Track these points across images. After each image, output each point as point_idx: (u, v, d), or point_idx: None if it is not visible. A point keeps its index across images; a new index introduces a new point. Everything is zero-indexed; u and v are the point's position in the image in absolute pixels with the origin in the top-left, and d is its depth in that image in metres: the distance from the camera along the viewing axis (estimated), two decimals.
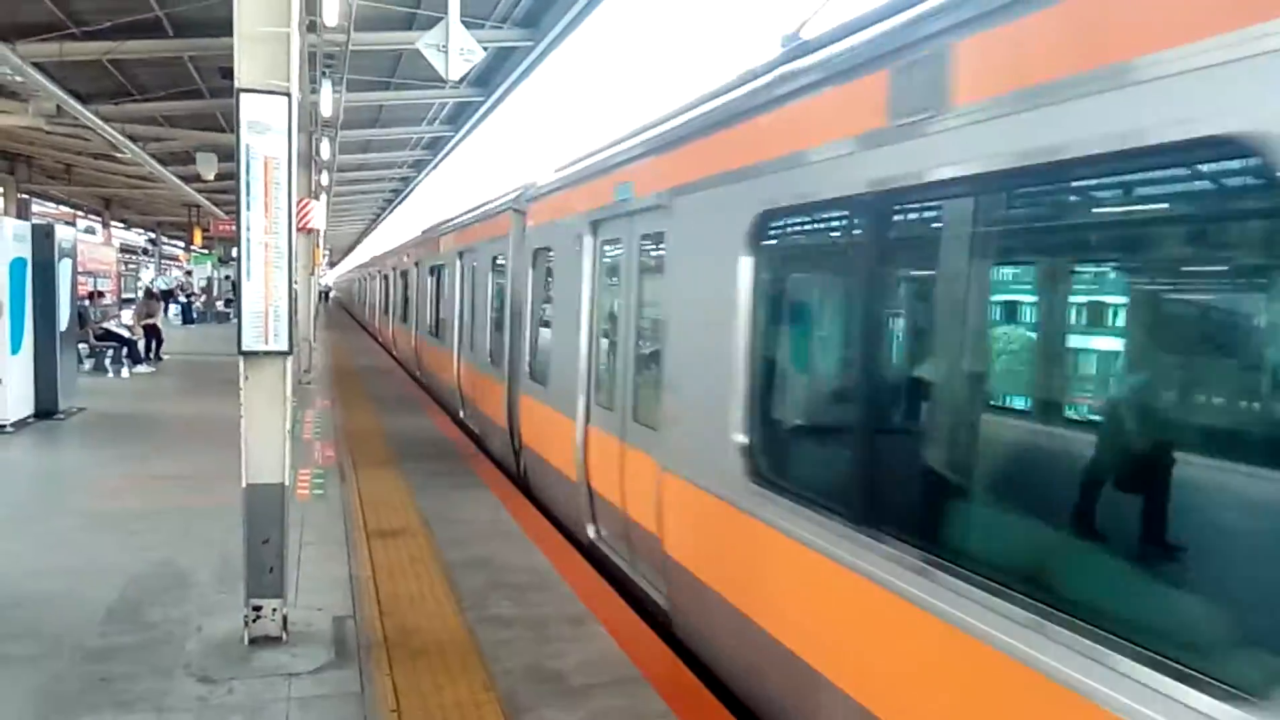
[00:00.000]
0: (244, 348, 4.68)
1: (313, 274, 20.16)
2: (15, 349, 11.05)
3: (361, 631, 5.06)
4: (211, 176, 21.66)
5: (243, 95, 4.56)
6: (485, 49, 11.11)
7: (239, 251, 4.67)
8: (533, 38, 14.77)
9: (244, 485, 4.76)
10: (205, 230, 35.67)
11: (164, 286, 36.44)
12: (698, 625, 5.01)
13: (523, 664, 4.69)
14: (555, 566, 6.32)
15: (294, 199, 4.71)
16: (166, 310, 36.14)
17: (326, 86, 14.88)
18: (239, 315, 4.72)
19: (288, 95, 4.62)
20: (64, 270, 12.23)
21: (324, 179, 24.49)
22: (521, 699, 4.30)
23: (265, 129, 4.59)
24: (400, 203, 42.56)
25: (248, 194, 4.60)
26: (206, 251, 39.14)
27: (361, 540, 6.79)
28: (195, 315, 35.83)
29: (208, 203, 30.67)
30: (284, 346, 4.74)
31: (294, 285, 4.79)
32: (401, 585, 5.83)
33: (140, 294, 27.96)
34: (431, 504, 7.94)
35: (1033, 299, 3.19)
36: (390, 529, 7.13)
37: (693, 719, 4.17)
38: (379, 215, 51.23)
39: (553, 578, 6.09)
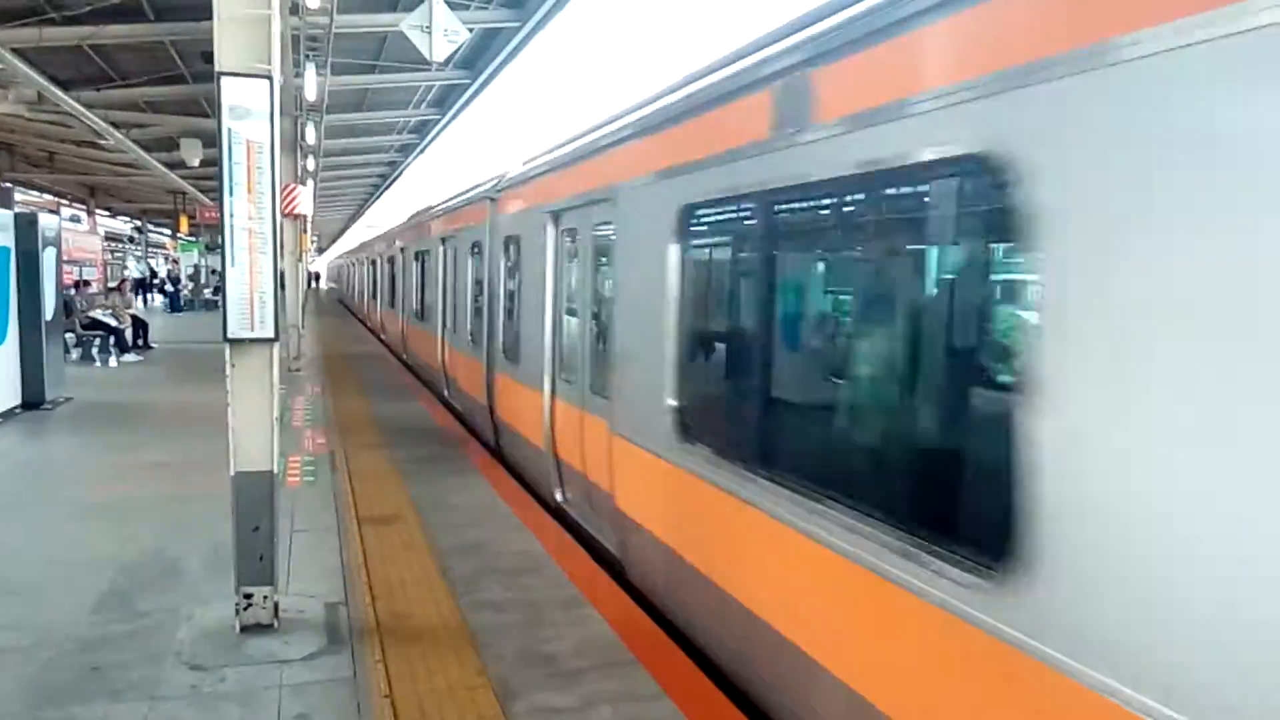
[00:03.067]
0: (230, 335, 4.64)
1: (300, 260, 20.00)
2: (0, 339, 10.96)
3: (354, 618, 5.06)
4: (196, 163, 21.46)
5: (224, 79, 4.50)
6: (470, 30, 11.02)
7: (223, 238, 4.62)
8: (519, 18, 14.64)
9: (232, 473, 4.74)
10: (191, 217, 35.37)
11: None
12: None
13: (515, 648, 4.70)
14: (547, 550, 6.33)
15: (278, 184, 4.66)
16: (145, 298, 35.96)
17: (310, 70, 14.71)
18: (224, 302, 4.69)
19: (269, 78, 4.55)
20: (49, 259, 12.11)
21: (310, 164, 24.29)
22: (515, 683, 4.30)
23: (247, 113, 4.53)
24: (389, 186, 42.30)
25: (231, 179, 4.55)
26: (193, 239, 38.86)
27: (353, 527, 6.78)
28: (183, 303, 35.65)
29: (193, 189, 30.42)
30: (270, 333, 4.70)
31: (280, 270, 4.76)
32: (393, 571, 5.83)
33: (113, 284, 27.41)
34: (423, 490, 7.93)
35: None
36: (382, 515, 7.12)
37: (686, 700, 4.18)
38: (368, 199, 50.90)
39: (545, 561, 6.10)
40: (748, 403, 4.49)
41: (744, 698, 4.35)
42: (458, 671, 4.41)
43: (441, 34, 9.34)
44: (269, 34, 4.57)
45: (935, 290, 3.45)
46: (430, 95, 21.61)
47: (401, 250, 19.51)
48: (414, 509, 7.32)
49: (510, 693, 4.20)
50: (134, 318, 19.19)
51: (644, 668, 4.49)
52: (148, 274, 40.91)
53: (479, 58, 17.34)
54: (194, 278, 39.48)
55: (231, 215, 4.57)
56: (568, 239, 7.36)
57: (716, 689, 4.33)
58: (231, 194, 4.56)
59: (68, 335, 15.54)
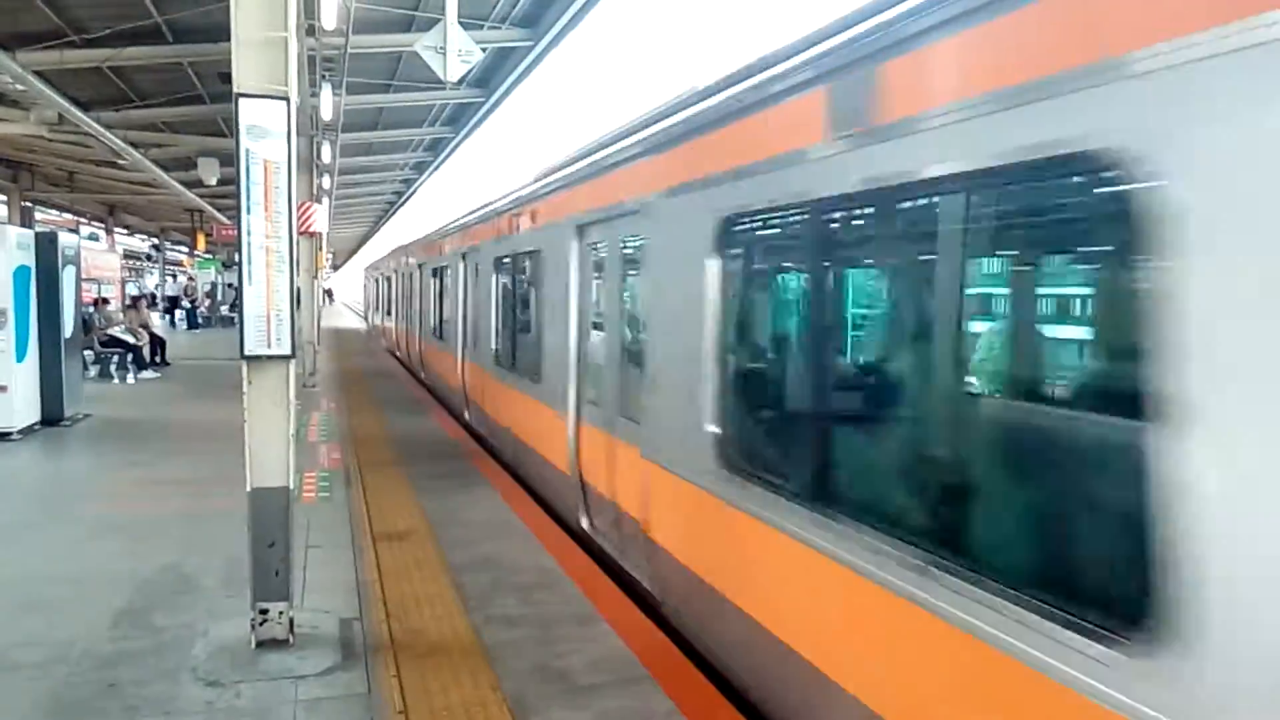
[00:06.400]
0: (246, 352, 4.69)
1: (316, 277, 20.14)
2: (20, 356, 11.08)
3: (368, 634, 5.07)
4: (214, 182, 21.66)
5: (241, 100, 4.56)
6: (484, 50, 11.12)
7: (240, 256, 4.67)
8: (532, 37, 14.76)
9: (249, 489, 4.77)
10: (209, 235, 35.67)
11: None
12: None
13: (530, 664, 4.70)
14: (561, 565, 6.33)
15: (294, 202, 4.72)
16: (173, 315, 36.29)
17: (326, 90, 14.88)
18: (241, 319, 4.74)
19: (286, 99, 4.62)
20: (68, 277, 12.25)
21: (325, 182, 24.50)
22: (529, 699, 4.30)
23: (265, 133, 4.60)
24: (405, 202, 42.60)
25: (248, 198, 4.61)
26: (210, 256, 39.22)
27: (368, 542, 6.80)
28: (200, 320, 35.92)
29: (210, 208, 30.69)
30: (286, 350, 4.75)
31: (296, 288, 4.82)
32: (408, 587, 5.84)
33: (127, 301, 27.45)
34: (437, 505, 7.95)
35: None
36: (396, 531, 7.14)
37: (699, 717, 4.17)
38: (382, 217, 51.30)
39: (558, 577, 6.10)
40: None
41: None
42: (472, 687, 4.41)
43: (456, 54, 9.43)
44: (286, 56, 4.63)
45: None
46: (444, 114, 21.80)
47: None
48: (428, 524, 7.34)
49: (524, 709, 4.20)
50: (151, 334, 19.37)
51: (658, 684, 4.47)
52: (166, 293, 41.18)
53: (492, 76, 17.48)
54: (211, 294, 39.79)
55: (249, 234, 4.63)
56: None
57: (731, 706, 4.32)
58: (249, 212, 4.62)
59: (86, 352, 15.69)
